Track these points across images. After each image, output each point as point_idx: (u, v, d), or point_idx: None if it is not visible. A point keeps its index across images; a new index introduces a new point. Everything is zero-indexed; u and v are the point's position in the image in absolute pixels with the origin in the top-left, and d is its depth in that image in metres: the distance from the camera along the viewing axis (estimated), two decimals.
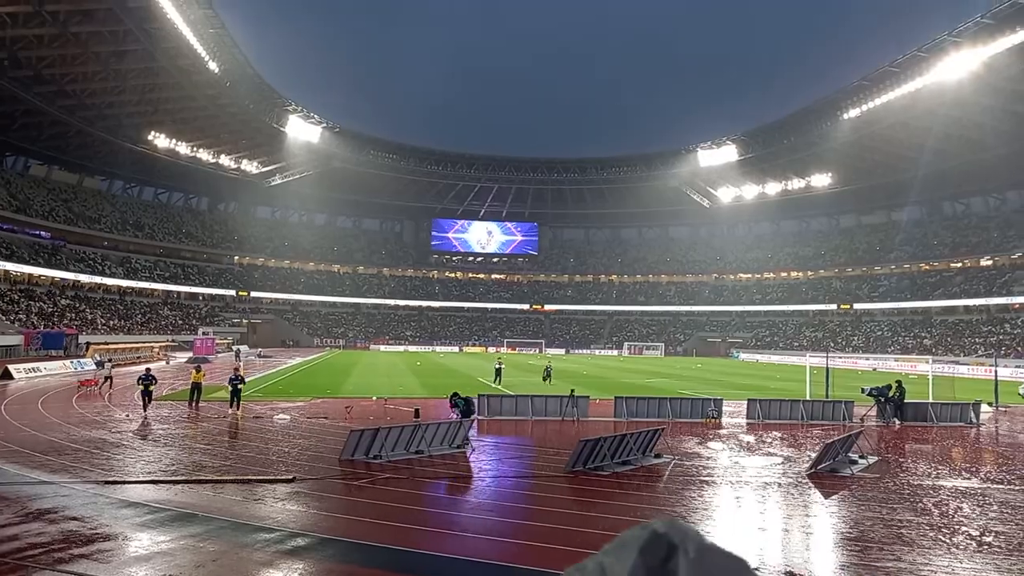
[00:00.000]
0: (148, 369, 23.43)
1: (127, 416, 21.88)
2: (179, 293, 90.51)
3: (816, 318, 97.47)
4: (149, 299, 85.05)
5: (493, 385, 34.00)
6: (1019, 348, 66.73)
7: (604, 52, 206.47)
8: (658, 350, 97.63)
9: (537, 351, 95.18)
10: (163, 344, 60.57)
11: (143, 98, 69.56)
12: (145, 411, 22.04)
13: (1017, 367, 55.76)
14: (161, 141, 78.01)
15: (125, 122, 72.51)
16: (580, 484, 13.75)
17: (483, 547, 9.79)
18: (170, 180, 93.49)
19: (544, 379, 37.33)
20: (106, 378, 29.42)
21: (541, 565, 8.77)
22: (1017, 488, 14.01)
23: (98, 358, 45.27)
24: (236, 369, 24.94)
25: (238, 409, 22.68)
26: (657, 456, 16.43)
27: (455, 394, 21.21)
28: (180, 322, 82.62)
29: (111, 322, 71.16)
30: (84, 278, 75.31)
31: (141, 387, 22.50)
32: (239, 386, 23.07)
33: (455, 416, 19.44)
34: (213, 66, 66.21)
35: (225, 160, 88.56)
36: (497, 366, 38.44)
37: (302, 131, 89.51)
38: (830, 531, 10.77)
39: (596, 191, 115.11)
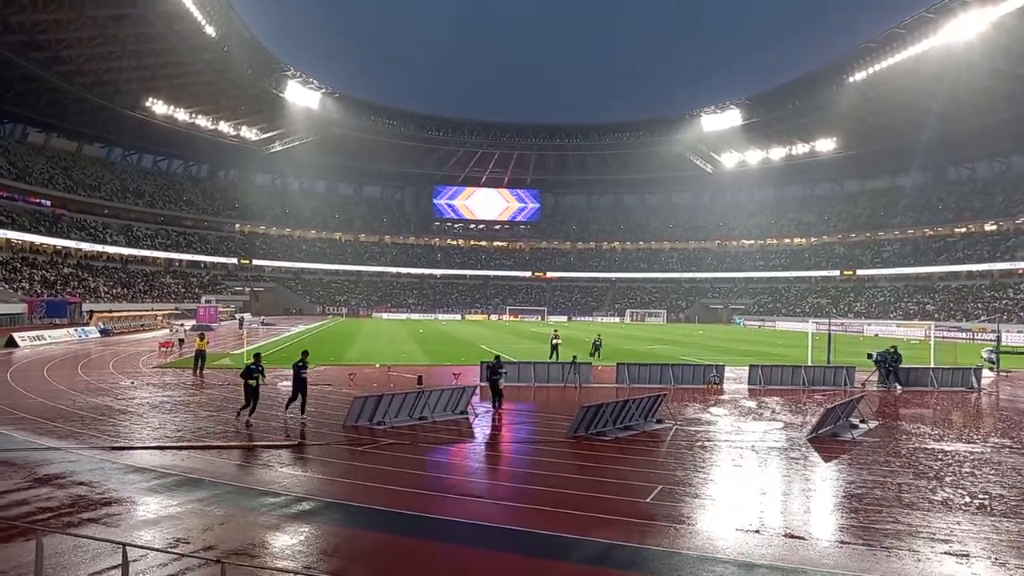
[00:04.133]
0: (258, 356, 16.68)
1: (132, 384, 22.03)
2: (181, 261, 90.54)
3: (819, 284, 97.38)
4: (151, 267, 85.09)
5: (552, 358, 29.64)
6: (1021, 313, 66.69)
7: (610, 16, 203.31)
8: (660, 317, 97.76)
9: (540, 319, 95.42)
10: (166, 312, 60.77)
11: (140, 64, 68.72)
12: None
13: (1020, 332, 55.79)
14: (159, 107, 77.34)
15: (123, 88, 71.82)
16: (582, 449, 13.87)
17: (485, 511, 9.90)
18: (169, 147, 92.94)
19: (592, 353, 32.06)
20: (180, 340, 33.26)
21: (543, 528, 8.88)
22: (1017, 452, 14.10)
23: (102, 326, 45.52)
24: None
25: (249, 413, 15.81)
26: (659, 421, 16.54)
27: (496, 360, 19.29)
28: (183, 290, 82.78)
29: (114, 290, 71.30)
30: (86, 246, 75.33)
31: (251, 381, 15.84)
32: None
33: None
34: (210, 30, 65.30)
35: (224, 127, 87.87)
36: (554, 341, 32.27)
37: (301, 97, 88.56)
38: (830, 494, 10.87)
39: (599, 157, 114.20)
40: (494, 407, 17.93)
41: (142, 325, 54.52)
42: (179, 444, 13.38)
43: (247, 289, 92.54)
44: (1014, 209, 79.44)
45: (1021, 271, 74.65)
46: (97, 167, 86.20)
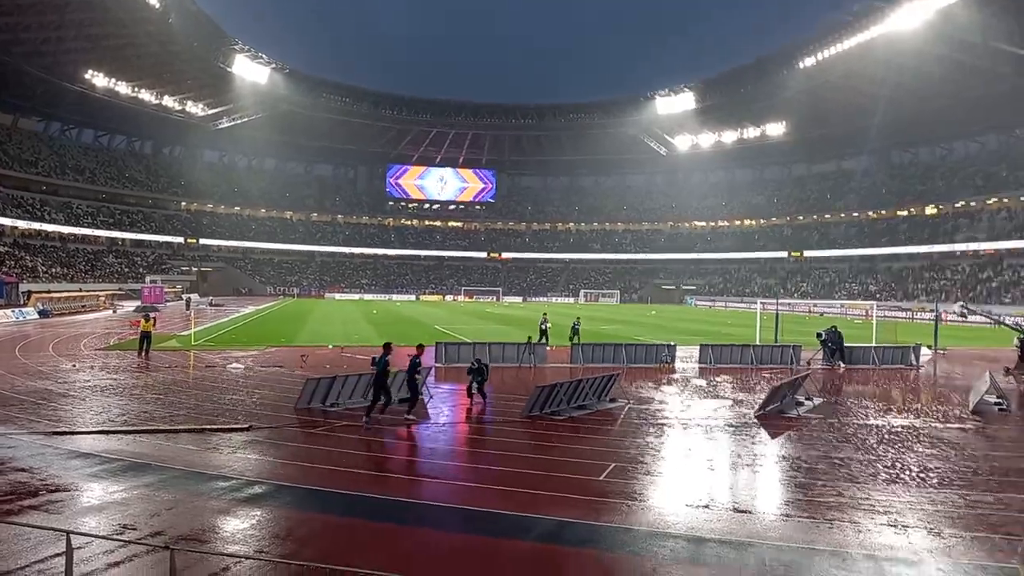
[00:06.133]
0: (387, 345, 15.66)
1: (74, 366, 21.34)
2: (124, 240, 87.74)
3: (768, 265, 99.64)
4: (93, 246, 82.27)
5: (542, 343, 27.35)
6: (959, 294, 69.41)
7: None
8: (614, 297, 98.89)
9: (494, 299, 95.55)
10: (110, 293, 58.92)
11: (81, 34, 66.01)
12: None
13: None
14: (100, 80, 74.49)
15: (62, 60, 68.97)
16: (537, 428, 13.96)
17: (440, 491, 9.91)
18: (111, 122, 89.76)
19: (571, 337, 28.63)
20: (153, 318, 33.72)
21: (498, 507, 8.93)
22: (951, 426, 14.71)
23: (40, 307, 44.02)
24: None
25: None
26: (612, 401, 16.75)
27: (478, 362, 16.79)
28: (126, 270, 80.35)
29: (53, 270, 68.76)
30: (22, 224, 72.43)
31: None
32: None
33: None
34: (154, 1, 62.92)
35: (169, 101, 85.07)
36: (543, 326, 30.01)
37: (249, 72, 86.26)
38: (776, 469, 11.18)
39: (554, 138, 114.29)
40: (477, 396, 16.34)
41: (83, 306, 52.75)
42: (124, 428, 13.00)
43: (194, 269, 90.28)
44: (953, 193, 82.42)
45: (959, 253, 77.60)
46: (34, 141, 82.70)
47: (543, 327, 30.19)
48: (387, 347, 14.83)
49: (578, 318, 29.94)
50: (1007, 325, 24.40)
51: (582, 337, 28.16)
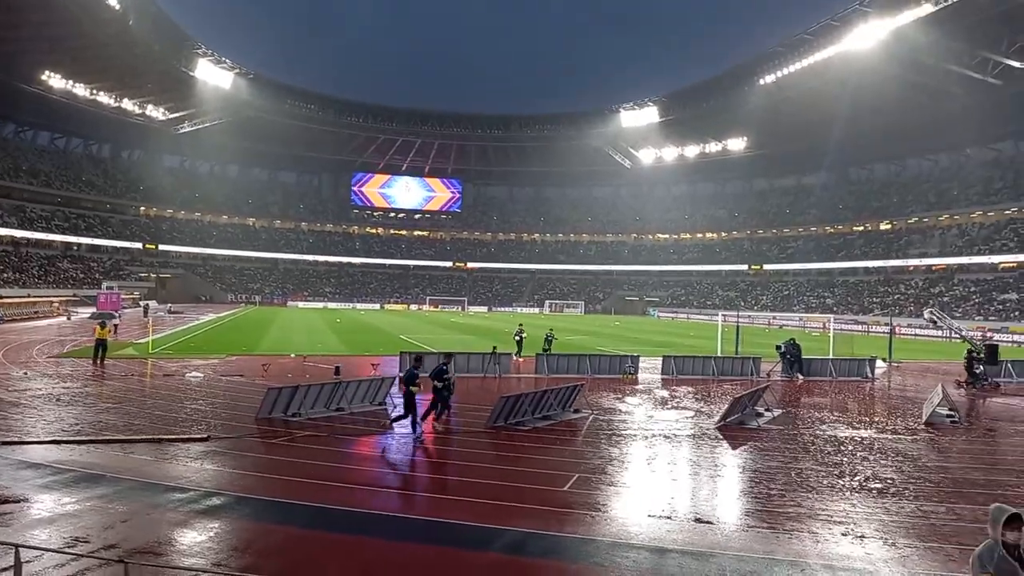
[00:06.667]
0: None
1: (25, 374, 20.71)
2: (80, 245, 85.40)
3: (728, 278, 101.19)
4: (47, 251, 79.95)
5: (516, 358, 27.80)
6: (911, 307, 71.28)
7: (536, 8, 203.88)
8: (578, 308, 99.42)
9: (460, 308, 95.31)
10: (64, 299, 57.37)
11: (38, 34, 64.32)
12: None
13: (909, 325, 59.65)
14: (57, 82, 72.57)
15: (18, 60, 67.09)
16: (501, 439, 13.95)
17: (403, 503, 9.84)
18: (68, 124, 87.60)
19: (545, 348, 28.43)
20: (114, 325, 35.65)
21: (461, 519, 8.89)
22: (905, 437, 15.09)
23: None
24: None
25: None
26: (576, 411, 16.82)
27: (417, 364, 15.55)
28: (82, 276, 78.26)
29: (4, 275, 66.61)
30: None
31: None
32: None
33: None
34: (114, 1, 61.72)
35: (128, 104, 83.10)
36: (518, 337, 30.73)
37: (212, 76, 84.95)
38: (737, 480, 11.34)
39: (520, 149, 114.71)
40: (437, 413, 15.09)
41: (36, 312, 51.29)
42: (78, 438, 12.65)
43: (153, 275, 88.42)
44: (907, 209, 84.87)
45: (912, 268, 79.77)
46: None
47: (519, 338, 30.49)
48: (418, 359, 15.44)
49: (551, 329, 30.11)
50: (967, 340, 25.16)
51: (555, 348, 28.40)
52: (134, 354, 27.16)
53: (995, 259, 70.86)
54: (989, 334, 48.72)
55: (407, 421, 13.92)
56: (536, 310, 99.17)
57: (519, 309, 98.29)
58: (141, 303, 65.38)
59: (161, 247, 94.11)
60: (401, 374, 15.96)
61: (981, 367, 23.92)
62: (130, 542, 7.65)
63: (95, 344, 23.90)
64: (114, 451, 11.89)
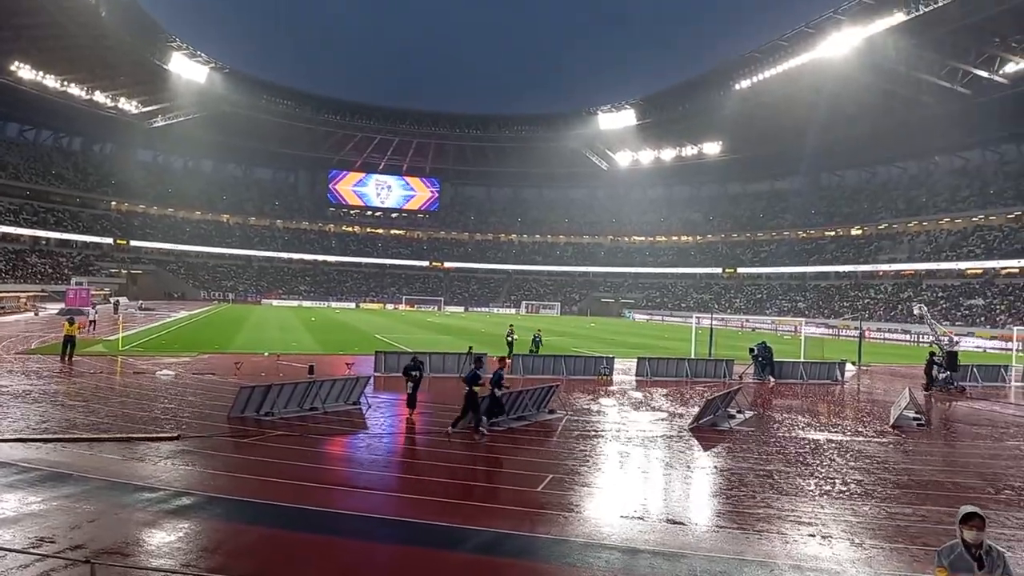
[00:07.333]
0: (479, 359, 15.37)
1: None
2: (49, 240, 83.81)
3: (703, 281, 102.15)
4: (14, 245, 78.31)
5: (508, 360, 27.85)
6: (880, 311, 72.51)
7: (515, 10, 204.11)
8: (554, 309, 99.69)
9: (436, 308, 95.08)
10: (32, 294, 56.25)
11: (6, 23, 62.98)
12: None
13: (879, 330, 60.70)
14: (26, 72, 71.11)
15: None
16: (475, 439, 13.94)
17: (376, 503, 9.80)
18: (38, 116, 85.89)
19: (532, 350, 28.89)
20: (91, 321, 36.07)
21: (435, 519, 8.88)
22: (872, 440, 15.36)
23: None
24: None
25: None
26: (551, 412, 16.88)
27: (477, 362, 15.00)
28: (51, 271, 76.75)
29: None
30: None
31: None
32: None
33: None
34: None
35: (100, 97, 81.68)
36: (509, 339, 30.43)
37: (187, 70, 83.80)
38: (709, 481, 11.46)
39: (498, 149, 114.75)
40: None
41: (3, 308, 50.23)
42: (44, 436, 12.41)
43: (124, 272, 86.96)
44: (877, 215, 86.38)
45: (881, 273, 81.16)
46: None
47: (509, 339, 30.50)
48: (479, 360, 14.70)
49: (539, 330, 30.20)
50: (940, 344, 25.68)
51: (543, 349, 28.64)
52: (104, 351, 26.71)
53: (962, 265, 72.39)
54: (956, 338, 49.67)
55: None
56: (512, 311, 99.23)
57: (495, 309, 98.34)
58: (111, 299, 64.28)
59: (133, 243, 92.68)
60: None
61: (944, 372, 24.53)
62: (97, 542, 7.53)
63: (63, 340, 23.46)
64: (81, 450, 11.69)
